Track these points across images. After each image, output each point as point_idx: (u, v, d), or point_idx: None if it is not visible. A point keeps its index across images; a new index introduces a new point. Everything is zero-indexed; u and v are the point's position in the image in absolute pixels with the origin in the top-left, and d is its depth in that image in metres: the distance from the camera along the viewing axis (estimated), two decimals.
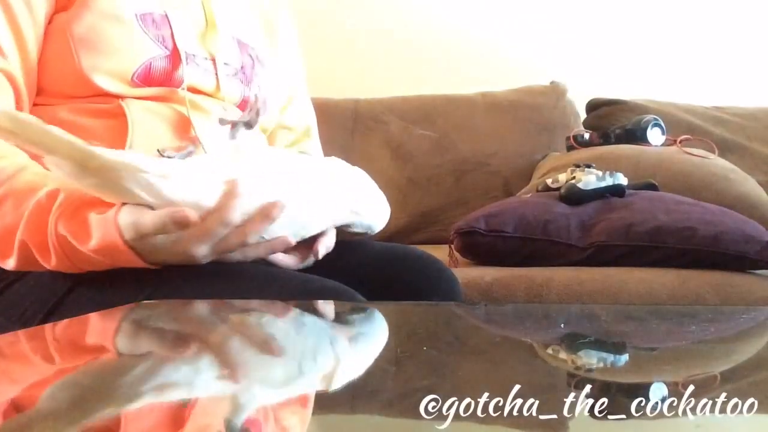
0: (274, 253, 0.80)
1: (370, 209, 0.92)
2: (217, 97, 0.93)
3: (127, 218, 0.70)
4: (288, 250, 0.82)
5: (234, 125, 0.82)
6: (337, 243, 0.90)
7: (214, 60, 0.93)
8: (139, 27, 0.85)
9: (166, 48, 0.87)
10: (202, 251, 0.73)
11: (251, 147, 0.78)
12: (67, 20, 0.84)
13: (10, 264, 0.77)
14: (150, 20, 0.86)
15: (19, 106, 0.83)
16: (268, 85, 1.02)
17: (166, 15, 0.88)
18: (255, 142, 0.98)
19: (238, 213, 0.72)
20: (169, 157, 0.79)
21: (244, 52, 0.99)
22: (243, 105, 0.97)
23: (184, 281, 0.75)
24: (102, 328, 0.60)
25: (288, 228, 0.78)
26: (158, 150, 0.82)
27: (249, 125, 0.83)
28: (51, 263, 0.74)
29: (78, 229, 0.72)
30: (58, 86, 0.85)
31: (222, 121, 0.83)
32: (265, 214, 0.74)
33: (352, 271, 0.90)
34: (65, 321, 0.62)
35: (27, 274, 0.81)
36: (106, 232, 0.70)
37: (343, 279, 0.82)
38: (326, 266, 0.87)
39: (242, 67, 0.97)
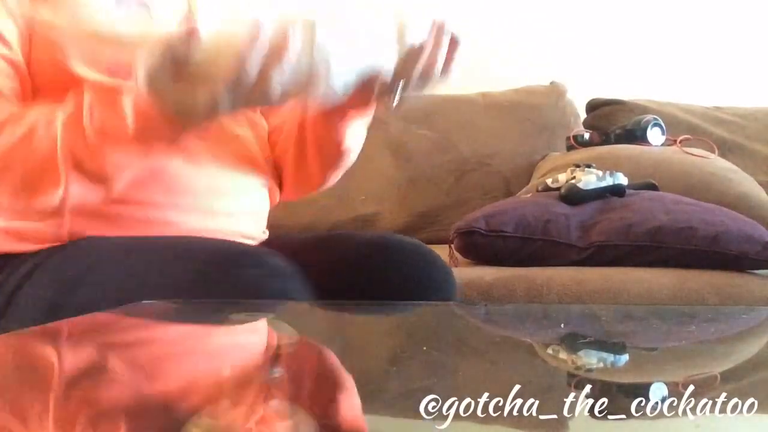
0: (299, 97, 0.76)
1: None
2: None
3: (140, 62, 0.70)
4: None
5: None
6: (320, 236, 0.89)
7: None
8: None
9: None
10: (221, 99, 0.69)
11: None
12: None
13: (58, 194, 0.75)
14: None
15: (25, 95, 0.82)
16: None
17: (146, 3, 0.86)
18: None
19: (257, 56, 0.67)
20: None
21: None
22: None
23: (101, 259, 0.77)
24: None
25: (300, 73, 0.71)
26: None
27: None
28: (95, 154, 0.74)
29: (110, 106, 0.72)
30: (47, 87, 0.83)
31: None
32: (276, 54, 0.68)
33: (337, 265, 0.89)
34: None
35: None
36: (130, 89, 0.71)
37: (328, 273, 0.82)
38: (309, 259, 0.86)
39: None
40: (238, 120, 0.94)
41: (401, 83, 0.77)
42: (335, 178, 0.99)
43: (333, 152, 0.92)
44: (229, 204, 0.91)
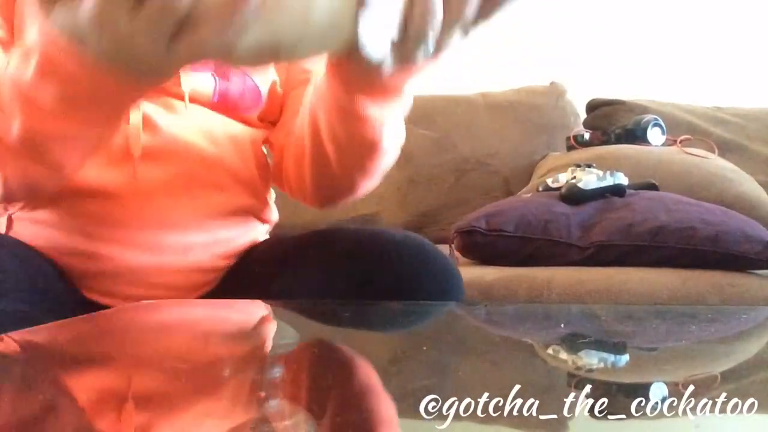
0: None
1: None
2: (171, 92, 0.78)
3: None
4: None
5: None
6: (300, 234, 0.81)
7: None
8: None
9: None
10: (150, 43, 0.48)
11: None
12: None
13: (15, 128, 0.58)
14: None
15: None
16: (259, 73, 0.86)
17: None
18: None
19: None
20: None
21: None
22: (221, 101, 0.82)
23: None
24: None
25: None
26: None
27: None
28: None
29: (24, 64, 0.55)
30: None
31: None
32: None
33: (327, 265, 0.76)
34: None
35: None
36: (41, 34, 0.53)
37: (314, 274, 0.75)
38: (288, 262, 0.79)
39: None
40: (211, 136, 0.81)
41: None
42: (370, 184, 0.78)
43: (360, 152, 0.70)
44: (180, 238, 0.79)
